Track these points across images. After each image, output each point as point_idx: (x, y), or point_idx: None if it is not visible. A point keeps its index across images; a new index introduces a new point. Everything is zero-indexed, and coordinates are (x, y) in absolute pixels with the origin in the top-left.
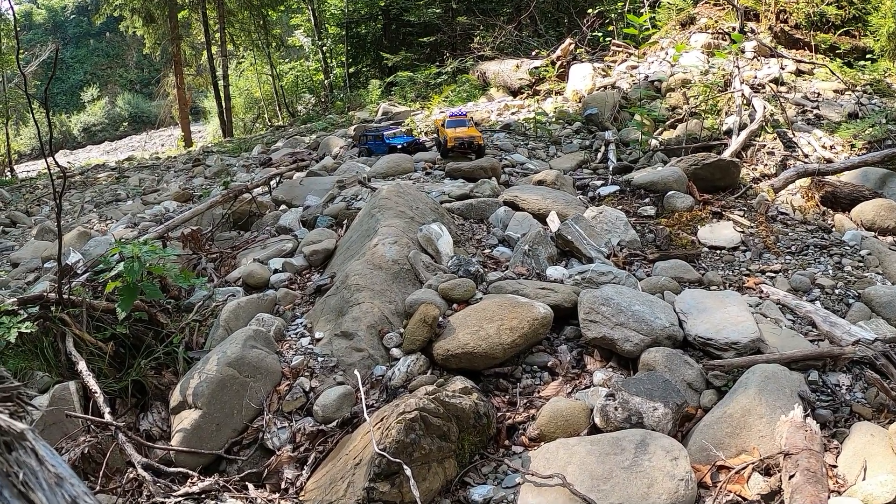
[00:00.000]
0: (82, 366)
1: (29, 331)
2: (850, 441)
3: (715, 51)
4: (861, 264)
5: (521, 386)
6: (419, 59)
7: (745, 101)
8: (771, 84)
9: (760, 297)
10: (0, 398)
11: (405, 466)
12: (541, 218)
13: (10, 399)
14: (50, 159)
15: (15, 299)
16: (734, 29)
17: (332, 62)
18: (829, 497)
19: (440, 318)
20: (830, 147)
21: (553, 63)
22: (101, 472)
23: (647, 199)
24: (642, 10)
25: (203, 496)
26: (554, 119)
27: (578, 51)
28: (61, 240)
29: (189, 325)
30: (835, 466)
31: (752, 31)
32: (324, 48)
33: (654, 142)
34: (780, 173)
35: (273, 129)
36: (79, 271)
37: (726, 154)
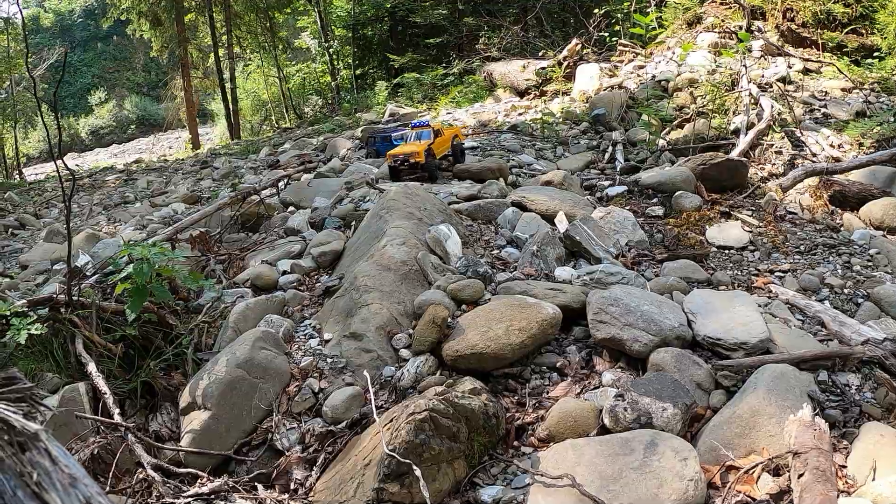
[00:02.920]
0: (92, 367)
1: (39, 332)
2: (859, 441)
3: (722, 50)
4: (870, 263)
5: (529, 386)
6: (426, 60)
7: (752, 101)
8: (778, 83)
9: (769, 297)
10: (13, 399)
11: (415, 467)
12: (549, 219)
13: (24, 399)
14: (59, 162)
15: (25, 301)
16: (741, 28)
17: (338, 64)
18: (838, 496)
19: (449, 319)
20: (838, 146)
21: (560, 63)
22: (110, 473)
23: (655, 200)
24: (648, 10)
25: (212, 497)
26: (561, 120)
27: (585, 51)
28: (71, 242)
29: (198, 327)
30: (844, 467)
31: (759, 30)
32: (330, 50)
33: (661, 142)
34: (788, 172)
35: (280, 131)
36: (88, 273)
37: (734, 154)
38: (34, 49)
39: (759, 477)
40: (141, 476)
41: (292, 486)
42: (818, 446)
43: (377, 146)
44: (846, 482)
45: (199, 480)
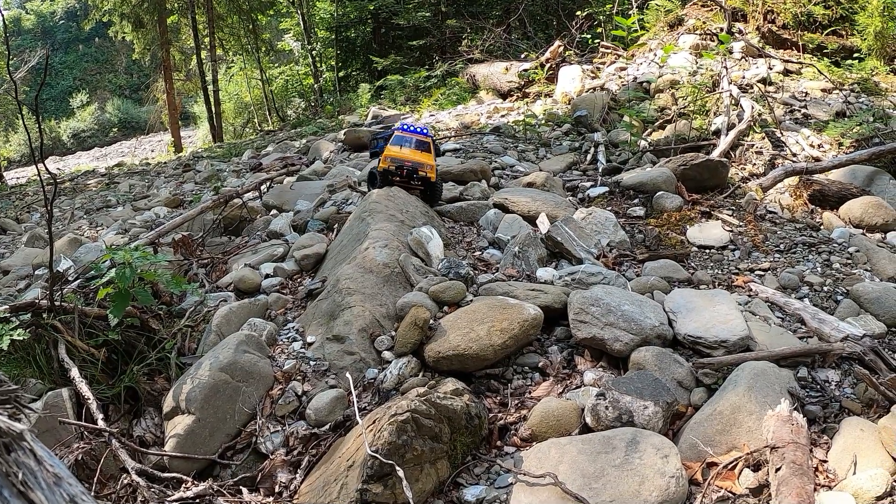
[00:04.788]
0: (75, 372)
1: (21, 338)
2: (839, 436)
3: (703, 51)
4: (849, 261)
5: (512, 387)
6: (409, 62)
7: (733, 102)
8: (759, 84)
9: (749, 296)
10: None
11: (397, 468)
12: (531, 220)
13: (9, 401)
14: (40, 166)
15: (6, 306)
16: (722, 30)
17: (321, 66)
18: (815, 489)
19: (431, 321)
20: (818, 146)
21: (542, 65)
22: (94, 479)
23: (636, 200)
24: (630, 12)
25: (197, 501)
26: (543, 121)
27: (567, 53)
28: (52, 246)
29: (181, 331)
30: (825, 461)
31: (740, 32)
32: (313, 52)
33: (643, 143)
34: (768, 172)
35: (263, 134)
36: (70, 278)
37: (715, 154)
38: (15, 51)
39: (741, 472)
40: (125, 481)
41: (277, 489)
42: (795, 440)
43: (380, 147)
44: (827, 476)
45: (183, 485)
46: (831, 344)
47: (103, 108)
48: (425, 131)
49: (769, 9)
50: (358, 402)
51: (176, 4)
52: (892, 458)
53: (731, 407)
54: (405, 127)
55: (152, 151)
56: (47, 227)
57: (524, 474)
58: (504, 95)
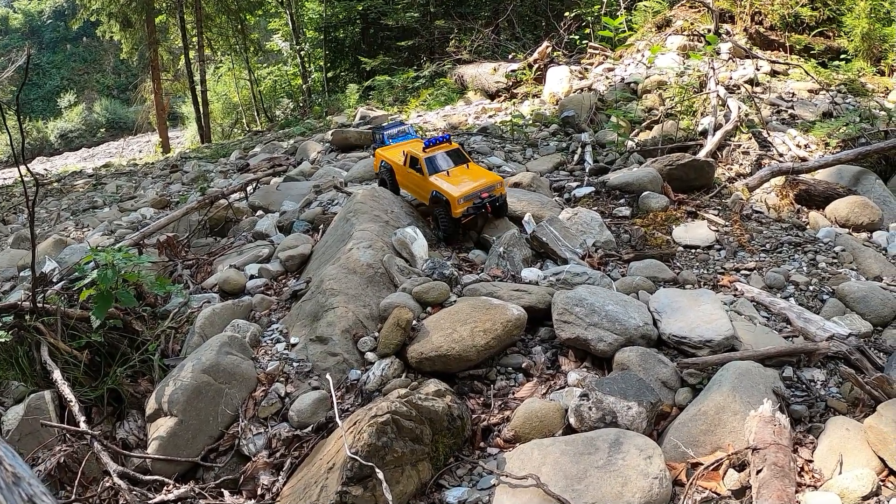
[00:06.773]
0: (57, 374)
1: (3, 340)
2: (825, 436)
3: (690, 52)
4: (835, 261)
5: (495, 388)
6: (397, 63)
7: (720, 102)
8: (746, 85)
9: (735, 295)
10: None
11: (377, 470)
12: (516, 220)
13: None
14: (23, 168)
15: None
16: (709, 31)
17: (310, 67)
18: (795, 491)
19: (414, 322)
20: (805, 146)
21: (530, 66)
22: (76, 482)
23: (622, 200)
24: (618, 13)
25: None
26: (531, 122)
27: (555, 54)
28: (34, 248)
29: (165, 333)
30: (811, 461)
31: (728, 33)
32: (302, 52)
33: (630, 143)
34: (754, 172)
35: (251, 135)
36: (54, 279)
37: (702, 154)
38: (2, 51)
39: (725, 472)
40: (107, 484)
41: (259, 492)
42: (777, 442)
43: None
44: (812, 476)
45: (165, 487)
46: (817, 343)
47: (91, 108)
48: (448, 137)
49: (757, 10)
50: (341, 403)
51: (164, 4)
52: (879, 457)
53: (716, 407)
54: (429, 141)
55: (140, 152)
56: (30, 228)
57: (506, 476)
58: (492, 96)
